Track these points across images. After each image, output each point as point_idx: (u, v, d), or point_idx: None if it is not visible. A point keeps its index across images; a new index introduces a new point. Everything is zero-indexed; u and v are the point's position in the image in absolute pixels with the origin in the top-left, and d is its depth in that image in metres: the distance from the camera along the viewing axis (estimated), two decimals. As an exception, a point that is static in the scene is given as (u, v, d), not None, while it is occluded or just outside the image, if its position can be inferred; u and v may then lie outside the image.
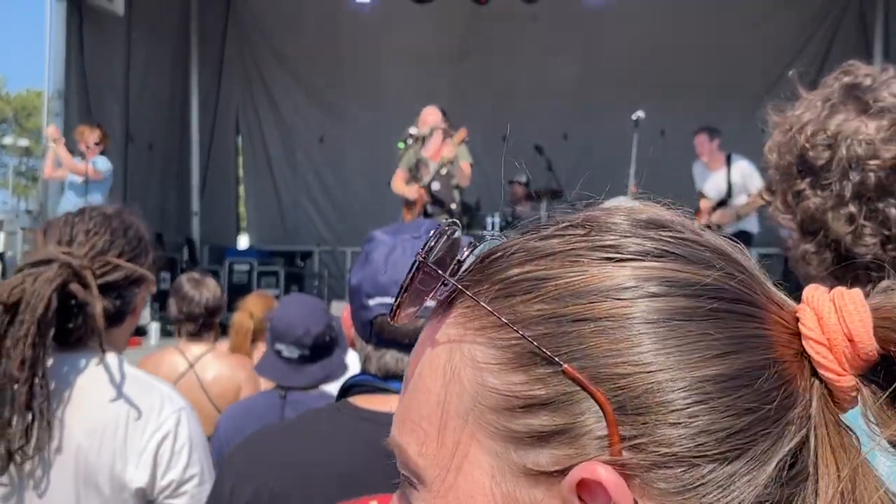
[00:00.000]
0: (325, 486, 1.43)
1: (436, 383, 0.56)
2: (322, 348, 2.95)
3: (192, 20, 13.11)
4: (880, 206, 1.16)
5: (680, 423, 0.50)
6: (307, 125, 13.76)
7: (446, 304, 0.58)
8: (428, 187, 8.24)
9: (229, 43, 13.74)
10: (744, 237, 8.64)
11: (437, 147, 8.27)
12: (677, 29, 11.93)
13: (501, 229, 6.99)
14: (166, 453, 1.79)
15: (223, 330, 4.08)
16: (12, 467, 1.69)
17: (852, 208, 1.17)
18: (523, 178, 10.93)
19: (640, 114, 8.31)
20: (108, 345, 1.80)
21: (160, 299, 8.93)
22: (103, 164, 8.62)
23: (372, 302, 1.46)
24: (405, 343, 1.45)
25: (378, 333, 1.48)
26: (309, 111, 13.75)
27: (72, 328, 1.78)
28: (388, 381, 1.47)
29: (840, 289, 0.55)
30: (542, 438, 0.51)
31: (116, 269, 1.83)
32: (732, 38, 11.88)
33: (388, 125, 10.58)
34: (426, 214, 8.16)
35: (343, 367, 3.00)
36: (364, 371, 1.54)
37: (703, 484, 0.50)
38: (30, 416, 1.67)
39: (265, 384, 3.28)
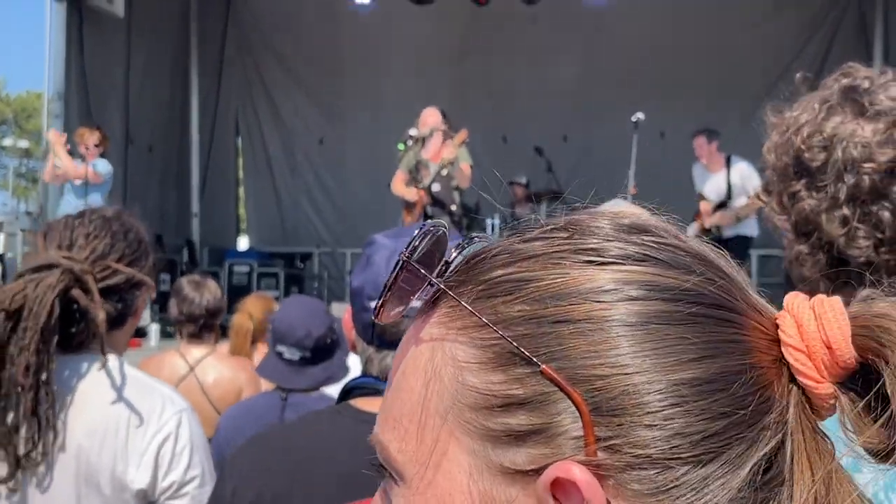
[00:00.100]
0: (327, 488, 1.43)
1: (417, 381, 0.56)
2: (323, 350, 2.95)
3: (192, 21, 13.11)
4: (874, 208, 1.16)
5: (655, 426, 0.50)
6: (307, 126, 13.77)
7: (431, 304, 0.58)
8: (428, 189, 8.24)
9: (229, 44, 13.75)
10: (743, 239, 8.68)
11: (437, 148, 8.27)
12: (677, 30, 11.94)
13: (501, 231, 6.99)
14: (167, 455, 1.80)
15: (223, 332, 4.08)
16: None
17: (846, 211, 1.17)
18: (523, 180, 10.95)
19: (639, 115, 8.31)
20: (109, 347, 1.81)
21: (160, 301, 8.93)
22: (103, 167, 8.62)
23: (374, 304, 1.46)
24: (406, 345, 1.45)
25: (380, 335, 1.48)
26: (309, 112, 13.76)
27: (74, 332, 1.78)
28: (390, 383, 1.47)
29: (820, 296, 0.56)
30: (519, 437, 0.52)
31: (117, 272, 1.83)
32: (732, 39, 11.88)
33: (388, 126, 10.59)
34: (426, 216, 8.16)
35: (344, 369, 3.00)
36: (365, 373, 1.54)
37: (676, 486, 0.51)
38: (36, 422, 1.67)
39: (266, 386, 3.28)
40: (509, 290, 0.54)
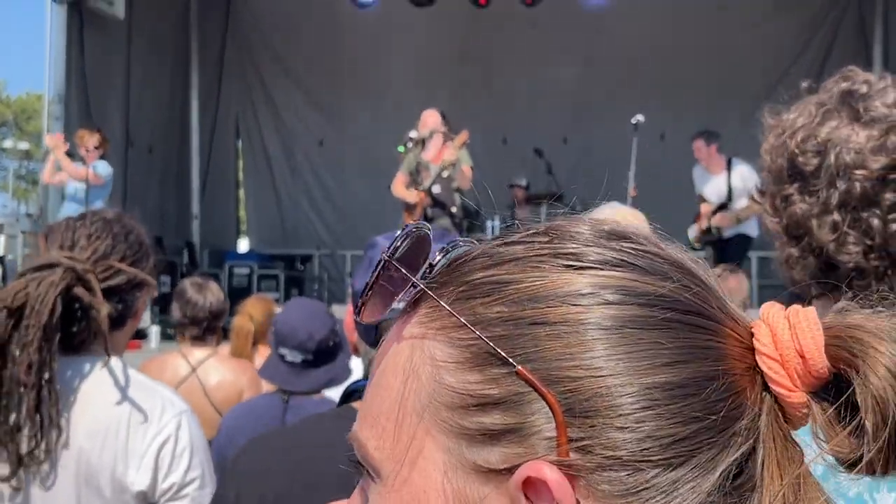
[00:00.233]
0: (329, 491, 1.43)
1: (396, 380, 0.57)
2: (325, 353, 2.94)
3: (192, 23, 13.13)
4: (864, 215, 1.16)
5: (627, 428, 0.51)
6: (307, 128, 13.77)
7: (413, 305, 0.59)
8: (428, 191, 8.24)
9: (229, 46, 13.75)
10: (744, 238, 8.68)
11: (438, 150, 8.27)
12: (677, 31, 11.95)
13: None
14: (167, 457, 1.80)
15: (224, 334, 4.08)
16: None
17: (837, 216, 1.17)
18: (523, 182, 10.96)
19: (639, 117, 8.32)
20: (110, 348, 1.81)
21: (161, 303, 8.94)
22: (104, 169, 8.63)
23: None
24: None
25: (382, 338, 1.48)
26: (309, 114, 13.77)
27: (75, 332, 1.78)
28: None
29: (795, 306, 0.56)
30: (493, 437, 0.52)
31: (118, 273, 1.84)
32: (732, 40, 11.89)
33: (388, 128, 10.59)
34: (426, 218, 8.16)
35: (347, 372, 2.99)
36: (367, 376, 1.54)
37: (646, 488, 0.51)
38: (39, 421, 1.68)
39: (267, 388, 3.28)
40: (488, 292, 0.55)
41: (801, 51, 12.02)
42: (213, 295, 3.65)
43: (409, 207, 8.37)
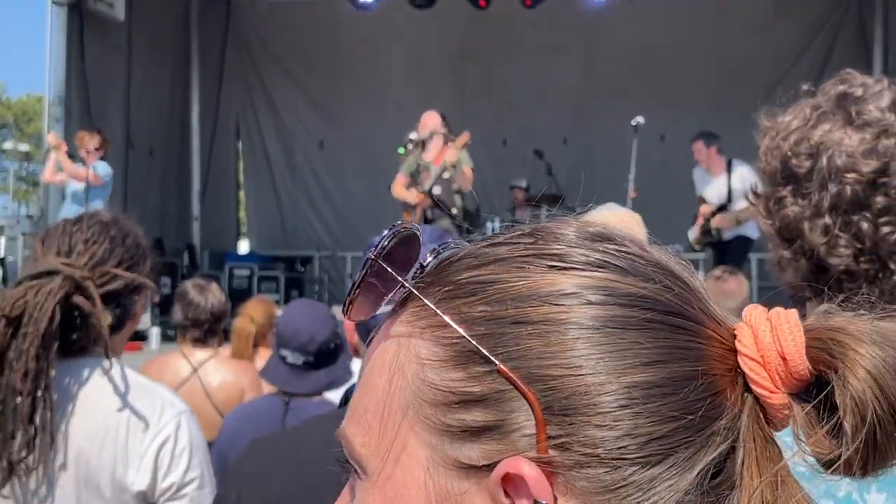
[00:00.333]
0: (329, 492, 1.43)
1: (382, 377, 0.58)
2: (327, 355, 2.94)
3: (193, 25, 13.14)
4: (855, 218, 1.16)
5: (605, 426, 0.52)
6: (307, 130, 13.78)
7: (401, 304, 0.60)
8: (429, 192, 8.24)
9: (229, 48, 13.76)
10: (744, 240, 8.68)
11: (438, 151, 8.27)
12: (677, 33, 11.96)
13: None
14: (167, 457, 1.80)
15: (225, 335, 4.08)
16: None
17: (828, 219, 1.17)
18: (523, 183, 10.96)
19: (639, 119, 8.33)
20: (110, 352, 1.81)
21: (161, 304, 8.94)
22: (104, 169, 8.64)
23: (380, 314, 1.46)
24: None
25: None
26: (309, 116, 13.77)
27: (75, 339, 1.78)
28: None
29: (778, 309, 0.57)
30: (474, 433, 0.53)
31: (116, 278, 1.84)
32: (732, 42, 11.89)
33: (388, 130, 10.60)
34: (426, 219, 8.16)
35: (347, 374, 2.99)
36: (365, 376, 1.54)
37: (623, 486, 0.52)
38: (32, 429, 1.68)
39: (268, 389, 3.28)
40: (473, 292, 0.56)
41: (801, 53, 12.02)
42: (214, 296, 3.66)
43: (409, 208, 8.37)
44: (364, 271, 0.59)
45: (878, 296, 1.15)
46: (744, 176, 8.45)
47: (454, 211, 8.22)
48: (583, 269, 0.56)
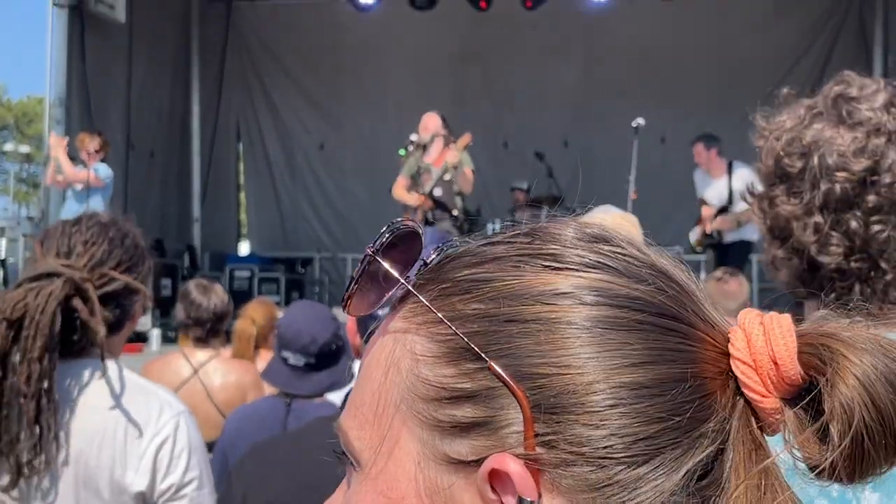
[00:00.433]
0: (331, 493, 1.44)
1: (378, 371, 0.59)
2: (328, 356, 2.94)
3: (193, 27, 13.15)
4: (845, 217, 1.17)
5: (592, 425, 0.52)
6: (307, 131, 13.79)
7: (400, 300, 0.61)
8: (430, 194, 8.23)
9: (230, 50, 13.77)
10: (745, 244, 8.67)
11: (439, 153, 8.27)
12: (677, 35, 11.96)
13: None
14: (165, 457, 1.81)
15: (226, 337, 4.08)
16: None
17: (819, 218, 1.18)
18: (524, 185, 10.97)
19: (640, 121, 8.33)
20: (107, 352, 1.82)
21: (162, 306, 8.95)
22: (104, 171, 8.65)
23: (380, 311, 1.47)
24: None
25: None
26: (309, 117, 13.78)
27: (74, 340, 1.79)
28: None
29: (772, 313, 0.57)
30: (463, 429, 0.54)
31: (115, 279, 1.84)
32: (733, 44, 11.90)
33: (389, 131, 10.61)
34: (427, 221, 8.16)
35: (349, 375, 2.99)
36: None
37: (609, 485, 0.53)
38: (38, 431, 1.68)
39: (270, 389, 3.28)
40: (468, 289, 0.57)
41: (801, 54, 12.02)
42: (217, 297, 3.67)
43: (410, 211, 8.37)
44: (362, 267, 0.60)
45: (871, 295, 1.16)
46: (744, 178, 8.43)
47: (455, 212, 8.22)
48: (577, 270, 0.57)
